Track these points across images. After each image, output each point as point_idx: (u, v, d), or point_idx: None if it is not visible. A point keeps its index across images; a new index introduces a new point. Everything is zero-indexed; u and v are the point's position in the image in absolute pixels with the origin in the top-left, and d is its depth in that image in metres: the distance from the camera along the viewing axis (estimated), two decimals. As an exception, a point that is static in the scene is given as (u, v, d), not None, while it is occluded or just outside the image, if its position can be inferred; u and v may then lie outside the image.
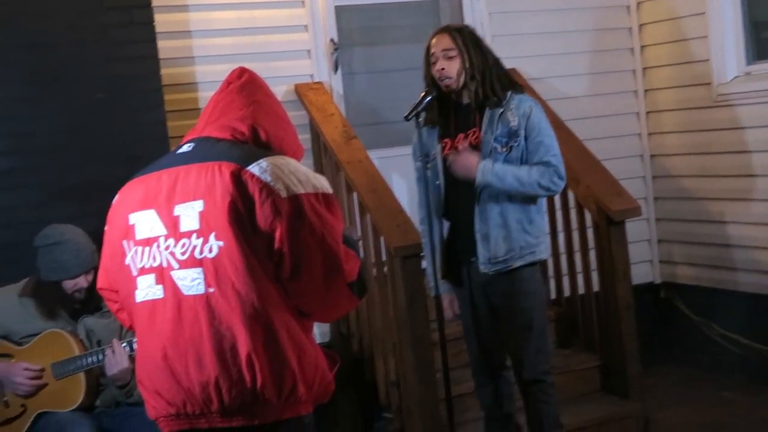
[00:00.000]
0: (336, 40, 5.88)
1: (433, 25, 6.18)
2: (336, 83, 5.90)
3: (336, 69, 5.88)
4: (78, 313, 4.29)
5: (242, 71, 2.91)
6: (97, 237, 4.26)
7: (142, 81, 4.91)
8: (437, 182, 4.35)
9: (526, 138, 4.19)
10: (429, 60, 4.30)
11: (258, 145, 2.76)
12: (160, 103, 4.95)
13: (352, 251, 2.75)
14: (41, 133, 4.72)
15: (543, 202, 4.43)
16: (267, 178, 2.60)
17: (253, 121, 2.77)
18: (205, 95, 5.42)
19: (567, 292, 5.68)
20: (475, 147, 4.24)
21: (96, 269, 4.16)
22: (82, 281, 4.21)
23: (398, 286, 4.79)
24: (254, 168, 2.61)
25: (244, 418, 2.64)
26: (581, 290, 5.58)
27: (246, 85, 2.86)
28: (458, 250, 4.36)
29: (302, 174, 2.67)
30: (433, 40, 4.30)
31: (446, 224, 4.40)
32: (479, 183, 4.15)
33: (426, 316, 4.79)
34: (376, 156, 5.49)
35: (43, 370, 4.18)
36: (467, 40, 4.26)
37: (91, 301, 4.28)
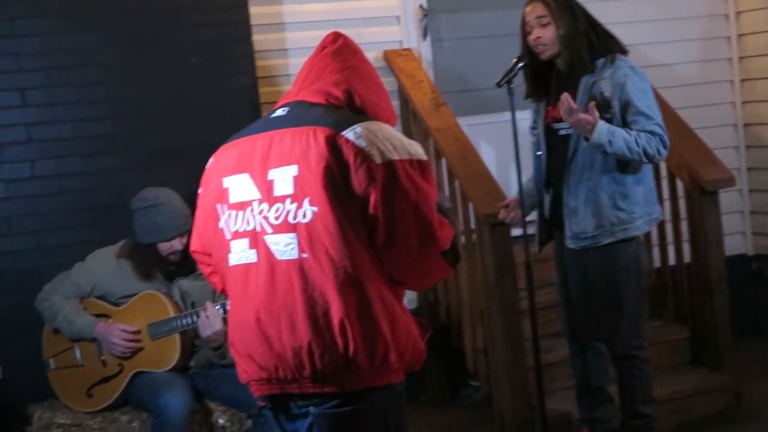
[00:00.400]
0: (425, 6, 5.85)
1: (522, -9, 6.15)
2: (425, 50, 5.87)
3: (425, 35, 5.86)
4: (173, 276, 4.36)
5: (336, 36, 2.86)
6: (191, 200, 4.34)
7: (234, 46, 4.95)
8: (538, 153, 4.32)
9: (623, 108, 4.06)
10: (524, 29, 4.24)
11: (352, 110, 2.72)
12: (252, 69, 4.99)
13: (445, 219, 2.70)
14: (137, 98, 4.80)
15: (647, 171, 4.26)
16: (362, 143, 2.56)
17: (347, 86, 2.74)
18: (295, 61, 5.44)
19: (658, 263, 5.59)
20: None
21: (191, 232, 4.27)
22: (177, 244, 4.27)
23: (487, 253, 4.77)
24: (349, 133, 2.58)
25: (336, 384, 2.62)
26: (672, 261, 5.50)
27: (341, 50, 2.80)
28: (554, 221, 4.32)
29: (397, 140, 2.62)
30: (527, 8, 4.23)
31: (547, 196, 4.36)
32: (592, 142, 3.98)
33: (515, 284, 4.78)
34: (464, 123, 5.46)
35: (139, 331, 4.27)
36: (560, 6, 4.16)
37: (186, 264, 4.34)
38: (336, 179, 2.55)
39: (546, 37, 4.16)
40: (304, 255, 2.57)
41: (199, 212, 2.89)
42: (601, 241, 4.16)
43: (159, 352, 4.26)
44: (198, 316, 4.17)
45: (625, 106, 4.07)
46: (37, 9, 4.66)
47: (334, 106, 2.72)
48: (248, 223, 2.66)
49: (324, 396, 2.64)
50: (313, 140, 2.58)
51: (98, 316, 4.31)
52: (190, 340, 4.32)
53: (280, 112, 2.76)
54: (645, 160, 4.07)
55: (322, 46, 2.84)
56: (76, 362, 4.36)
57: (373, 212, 2.56)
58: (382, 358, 2.61)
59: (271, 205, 2.62)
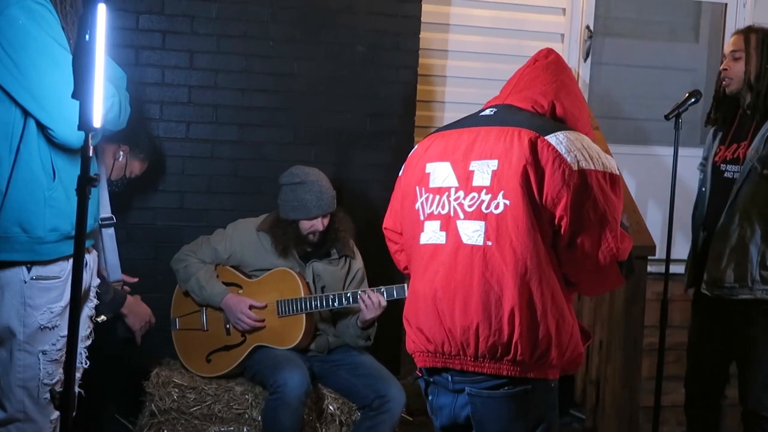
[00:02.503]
0: (592, 27, 5.78)
1: (691, 26, 6.03)
2: (584, 71, 5.80)
3: (586, 57, 5.79)
4: (308, 257, 4.40)
5: (549, 52, 3.09)
6: (336, 184, 4.40)
7: (403, 40, 4.95)
8: (703, 189, 4.25)
9: None
10: (722, 59, 4.21)
11: (554, 119, 2.90)
12: (416, 65, 4.99)
13: (626, 233, 2.83)
14: (300, 76, 4.84)
15: None
16: (561, 149, 2.72)
17: (554, 97, 2.93)
18: (454, 64, 5.44)
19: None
20: (739, 160, 4.11)
21: (332, 215, 4.31)
22: (319, 224, 4.30)
23: (620, 285, 4.70)
24: (551, 138, 2.74)
25: (494, 367, 2.76)
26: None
27: (551, 65, 3.03)
28: (701, 264, 4.24)
29: (594, 151, 2.77)
30: (732, 39, 4.22)
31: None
32: None
33: (642, 319, 4.70)
34: (613, 151, 5.37)
35: (266, 307, 4.31)
36: (759, 43, 4.10)
37: (323, 246, 4.38)
38: (531, 179, 2.72)
39: (732, 71, 4.13)
40: (489, 243, 2.75)
41: (397, 193, 3.10)
42: (737, 295, 4.07)
43: (283, 330, 4.30)
44: (348, 300, 4.22)
45: None
46: (218, -25, 4.73)
47: (538, 114, 2.90)
48: (443, 207, 2.86)
49: (482, 377, 2.79)
50: (517, 140, 2.76)
51: (230, 284, 4.38)
52: (315, 322, 4.35)
53: (488, 111, 2.97)
54: None
55: (535, 59, 3.07)
56: (201, 326, 4.43)
57: (561, 214, 2.73)
58: (543, 351, 2.76)
59: (467, 194, 2.82)
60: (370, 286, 4.37)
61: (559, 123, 2.88)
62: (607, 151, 5.09)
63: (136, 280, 4.34)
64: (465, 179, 2.83)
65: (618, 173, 2.82)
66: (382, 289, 4.18)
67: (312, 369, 4.33)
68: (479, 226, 2.76)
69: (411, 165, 3.04)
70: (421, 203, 2.93)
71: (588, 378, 5.06)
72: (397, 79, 4.96)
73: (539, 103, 2.92)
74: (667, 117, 4.22)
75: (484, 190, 2.78)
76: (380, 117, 4.91)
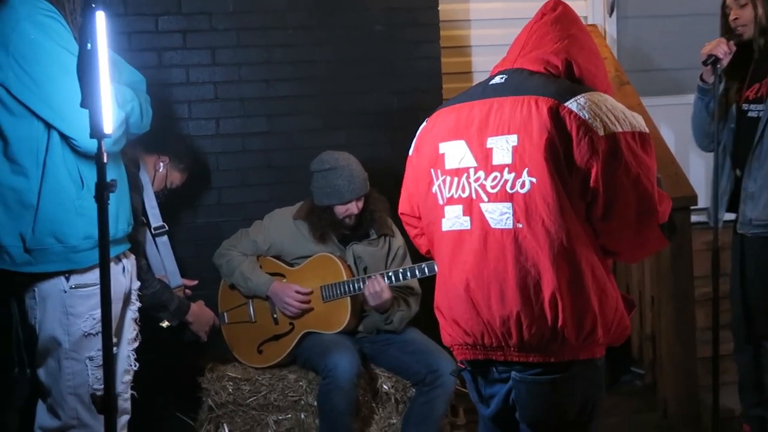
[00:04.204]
0: (614, -19, 5.72)
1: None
2: (610, 27, 5.75)
3: (611, 12, 5.73)
4: (347, 240, 4.42)
5: (556, 3, 2.84)
6: (369, 166, 4.40)
7: (421, 15, 4.94)
8: (731, 125, 4.20)
9: None
10: (724, 10, 4.16)
11: (571, 80, 2.70)
12: (436, 39, 4.97)
13: (665, 192, 2.69)
14: (321, 62, 4.85)
15: None
16: (585, 115, 2.54)
17: (567, 55, 2.72)
18: (478, 33, 5.41)
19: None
20: (762, 99, 4.07)
21: (366, 197, 4.33)
22: (353, 207, 4.31)
23: (664, 237, 4.65)
24: (572, 104, 2.56)
25: (541, 354, 2.63)
26: None
27: (560, 18, 2.80)
28: (731, 205, 4.22)
29: (620, 112, 2.60)
30: None
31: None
32: None
33: (690, 271, 4.66)
34: (646, 104, 5.30)
35: (311, 292, 4.34)
36: None
37: (361, 228, 4.40)
38: (557, 151, 2.55)
39: (743, 18, 4.07)
40: (519, 225, 2.60)
41: (410, 175, 2.94)
42: None
43: (329, 315, 4.33)
44: (393, 278, 4.22)
45: None
46: (232, -31, 4.76)
47: (553, 75, 2.71)
48: (464, 189, 2.70)
49: (527, 364, 2.67)
50: (535, 110, 2.59)
51: (273, 274, 4.41)
52: (360, 304, 4.37)
53: (497, 79, 2.76)
54: None
55: (542, 13, 2.84)
56: (249, 318, 4.47)
57: (593, 185, 2.56)
58: (589, 332, 2.61)
59: (488, 174, 2.65)
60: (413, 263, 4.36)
61: (576, 85, 2.67)
62: (636, 108, 5.06)
63: (196, 282, 4.45)
64: (483, 158, 2.65)
65: (647, 131, 2.63)
66: (423, 265, 4.16)
67: (362, 350, 4.36)
68: (506, 208, 2.60)
69: (421, 144, 2.88)
70: (438, 186, 2.77)
71: (643, 334, 5.03)
72: (419, 55, 4.95)
73: (552, 63, 2.71)
74: (705, 63, 4.14)
75: (507, 169, 2.61)
76: (406, 94, 4.90)
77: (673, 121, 5.68)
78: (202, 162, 4.73)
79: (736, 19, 4.09)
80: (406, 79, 4.92)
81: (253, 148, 4.81)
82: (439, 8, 5.00)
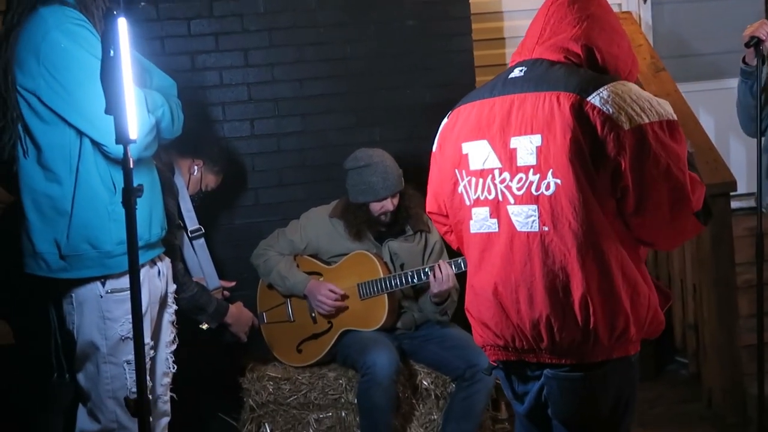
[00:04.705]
0: (648, -32, 5.67)
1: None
2: (645, 13, 5.71)
3: (646, -1, 5.68)
4: (383, 236, 4.41)
5: None
6: (404, 161, 4.39)
7: (452, 8, 4.91)
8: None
9: None
10: None
11: (593, 68, 2.62)
12: (468, 31, 4.94)
13: (696, 176, 2.59)
14: (353, 59, 4.85)
15: None
16: (609, 109, 2.46)
17: (587, 41, 2.62)
18: (511, 24, 5.40)
19: None
20: None
21: (402, 193, 4.32)
22: (389, 204, 4.31)
23: (704, 225, 4.60)
24: (595, 99, 2.48)
25: (574, 356, 2.59)
26: None
27: None
28: None
29: (644, 101, 2.51)
30: None
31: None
32: None
33: (732, 258, 4.61)
34: (684, 89, 5.27)
35: (346, 296, 4.35)
36: None
37: (396, 225, 4.39)
38: (582, 150, 2.48)
39: None
40: (545, 228, 2.55)
41: (435, 174, 2.89)
42: None
43: (367, 312, 4.33)
44: (426, 275, 4.20)
45: None
46: (262, -29, 4.77)
47: (574, 65, 2.63)
48: (489, 191, 2.65)
49: (560, 366, 2.63)
50: (557, 107, 2.52)
51: (310, 273, 4.42)
52: (398, 301, 4.37)
53: (517, 72, 2.68)
54: None
55: None
56: (288, 317, 4.49)
57: (623, 181, 2.49)
58: (622, 331, 2.57)
59: (513, 175, 2.59)
60: (450, 258, 4.35)
61: (599, 75, 2.58)
62: (672, 94, 5.02)
63: (233, 283, 4.47)
64: (508, 159, 2.59)
65: (674, 117, 2.53)
66: (459, 260, 4.15)
67: (401, 347, 4.35)
68: (532, 210, 2.55)
69: (444, 142, 2.83)
70: (464, 187, 2.72)
71: (686, 322, 4.99)
72: (452, 48, 4.92)
73: (572, 51, 2.62)
74: (747, 45, 4.07)
75: (532, 170, 2.54)
76: (440, 88, 4.87)
77: (712, 107, 5.62)
78: (237, 163, 4.75)
79: None
80: (439, 73, 4.89)
81: (288, 147, 4.82)
82: (470, 0, 4.97)
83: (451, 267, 4.17)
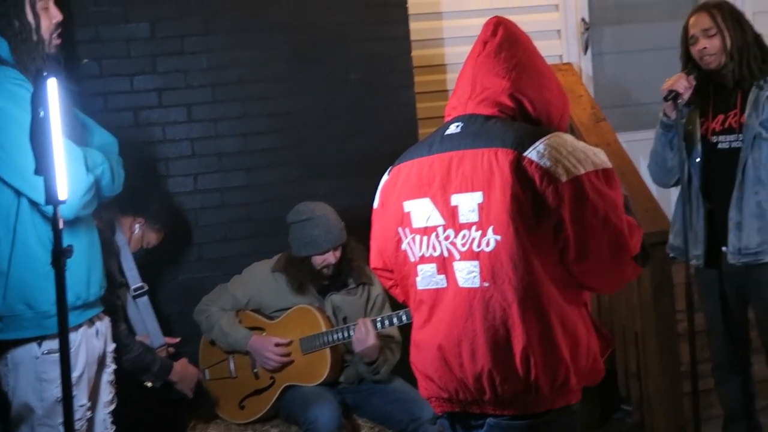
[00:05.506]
0: (587, 19, 5.76)
1: (687, 2, 5.97)
2: (585, 64, 5.79)
3: (586, 49, 5.77)
4: (326, 290, 4.42)
5: (496, 26, 2.74)
6: (347, 214, 4.41)
7: (395, 62, 4.97)
8: (697, 159, 4.21)
9: None
10: (687, 41, 4.17)
11: (526, 118, 2.67)
12: (410, 84, 5.00)
13: (633, 220, 2.64)
14: (298, 113, 4.89)
15: None
16: (546, 163, 2.50)
17: (517, 92, 2.66)
18: (454, 77, 5.42)
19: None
20: (732, 130, 4.09)
21: (344, 246, 4.33)
22: (331, 257, 4.32)
23: (644, 273, 4.64)
24: (532, 153, 2.51)
25: (517, 407, 2.62)
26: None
27: (503, 45, 2.71)
28: (715, 236, 4.20)
29: (580, 152, 2.55)
30: (692, 20, 4.17)
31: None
32: None
33: (672, 306, 4.65)
34: (624, 139, 5.36)
35: (290, 343, 4.34)
36: (727, 17, 4.09)
37: (339, 278, 4.40)
38: (523, 205, 2.51)
39: (713, 47, 4.08)
40: (486, 284, 2.56)
41: (378, 231, 2.90)
42: (762, 259, 4.05)
43: (310, 367, 4.32)
44: (351, 332, 4.22)
45: None
46: (206, 26, 4.79)
47: (510, 117, 2.66)
48: (435, 248, 2.66)
49: (503, 417, 2.64)
50: (495, 164, 2.54)
51: (253, 328, 4.41)
52: (341, 355, 4.37)
53: (453, 128, 2.70)
54: None
55: (483, 42, 2.74)
56: (230, 374, 4.47)
57: (562, 232, 2.52)
58: (562, 381, 2.59)
59: (457, 232, 2.61)
60: (393, 310, 4.36)
61: (534, 127, 2.62)
62: (612, 144, 5.10)
63: (178, 340, 4.45)
64: (450, 216, 2.62)
65: (610, 166, 2.57)
66: (401, 313, 4.16)
67: (345, 401, 4.35)
68: (473, 266, 2.57)
69: (386, 199, 2.83)
70: (408, 244, 2.74)
71: (629, 371, 5.02)
72: (395, 101, 4.98)
73: (504, 104, 2.66)
74: (665, 98, 4.16)
75: (474, 227, 2.57)
76: (385, 140, 4.88)
77: (651, 155, 5.70)
78: (181, 218, 4.75)
79: (704, 48, 4.09)
80: (383, 126, 4.94)
81: (232, 202, 4.83)
82: (412, 54, 5.03)
83: (377, 325, 4.18)
